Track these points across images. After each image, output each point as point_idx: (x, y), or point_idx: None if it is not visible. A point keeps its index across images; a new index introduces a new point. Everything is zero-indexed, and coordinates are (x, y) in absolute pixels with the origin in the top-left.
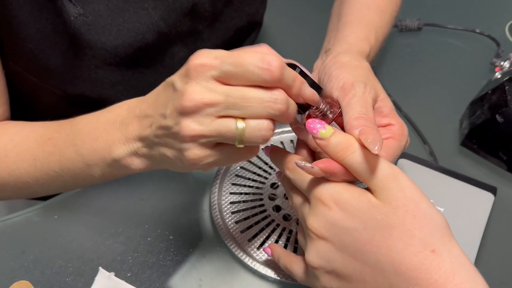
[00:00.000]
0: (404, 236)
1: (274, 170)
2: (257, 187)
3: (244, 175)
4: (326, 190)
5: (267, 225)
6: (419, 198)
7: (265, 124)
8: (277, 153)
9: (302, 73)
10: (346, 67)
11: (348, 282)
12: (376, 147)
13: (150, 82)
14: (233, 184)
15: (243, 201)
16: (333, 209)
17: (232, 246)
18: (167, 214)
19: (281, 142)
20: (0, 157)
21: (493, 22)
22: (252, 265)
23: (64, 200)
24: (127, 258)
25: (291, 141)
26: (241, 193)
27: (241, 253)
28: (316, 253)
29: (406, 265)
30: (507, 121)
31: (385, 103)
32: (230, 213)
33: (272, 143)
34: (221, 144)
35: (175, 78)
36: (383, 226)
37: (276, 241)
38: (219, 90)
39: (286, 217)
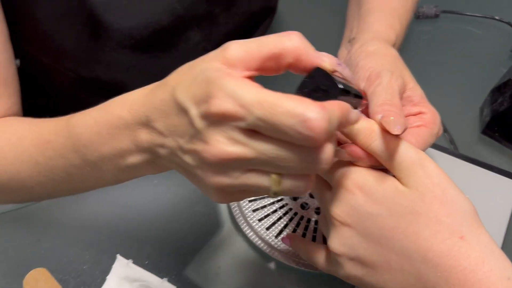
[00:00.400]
0: (431, 222)
1: None
2: None
3: None
4: (349, 175)
5: (285, 214)
6: (447, 184)
7: (303, 182)
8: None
9: (341, 84)
10: (373, 56)
11: (372, 269)
12: (398, 127)
13: (164, 67)
14: None
15: None
16: (356, 194)
17: (250, 234)
18: (184, 202)
19: None
20: None
21: None
22: (270, 254)
23: None
24: (145, 246)
25: None
26: None
27: (259, 241)
28: (339, 240)
29: (434, 252)
30: None
31: (415, 92)
32: (247, 202)
33: None
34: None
35: (190, 105)
36: (409, 213)
37: (294, 230)
38: (249, 144)
39: (303, 206)
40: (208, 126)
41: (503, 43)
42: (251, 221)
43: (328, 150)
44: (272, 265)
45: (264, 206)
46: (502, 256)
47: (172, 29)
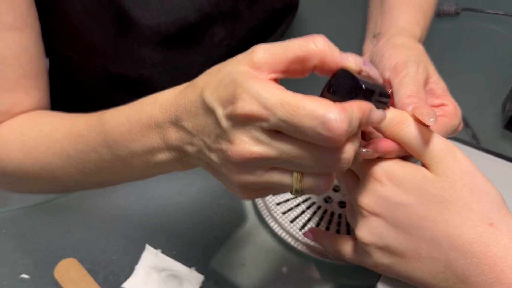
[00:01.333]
0: (461, 210)
1: None
2: None
3: None
4: (378, 166)
5: (308, 207)
6: (475, 172)
7: (325, 181)
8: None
9: (366, 84)
10: (399, 47)
11: (401, 258)
12: (432, 119)
13: (189, 62)
14: None
15: None
16: (386, 184)
17: (274, 227)
18: (209, 194)
19: None
20: (29, 149)
21: None
22: (295, 245)
23: None
24: (172, 236)
25: None
26: None
27: (284, 233)
28: (368, 229)
29: (464, 239)
30: None
31: (438, 85)
32: (271, 196)
33: None
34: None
35: (217, 106)
36: (439, 201)
37: (318, 223)
38: (272, 144)
39: (327, 200)
40: (233, 126)
41: None
42: (275, 214)
43: (349, 150)
44: (296, 257)
45: (288, 200)
46: None
47: (199, 25)
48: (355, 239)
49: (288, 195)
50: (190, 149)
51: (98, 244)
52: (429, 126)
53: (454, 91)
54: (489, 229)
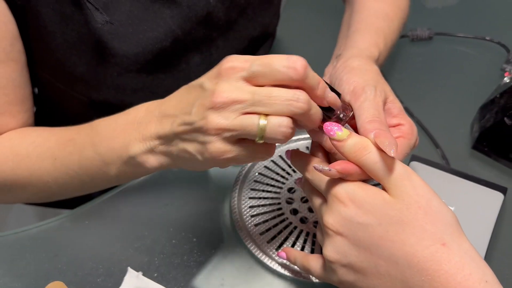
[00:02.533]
0: (416, 231)
1: (291, 176)
2: (275, 192)
3: (262, 180)
4: (342, 189)
5: (285, 228)
6: (431, 196)
7: (285, 121)
8: (298, 156)
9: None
10: (356, 71)
11: (363, 275)
12: (392, 150)
13: (167, 87)
14: (252, 189)
15: (262, 205)
16: (348, 206)
17: (252, 248)
18: (190, 218)
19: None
20: (22, 158)
21: (503, 29)
22: (271, 265)
23: (94, 207)
24: (154, 259)
25: (307, 147)
26: (259, 198)
27: (261, 254)
28: (332, 247)
29: (419, 258)
30: None
31: (395, 105)
32: (250, 217)
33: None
34: (242, 141)
35: (204, 80)
36: (396, 222)
37: (294, 243)
38: (246, 89)
39: (303, 220)
40: (216, 83)
41: (494, 62)
42: (253, 235)
43: (306, 94)
44: (273, 277)
45: (266, 221)
46: (481, 262)
47: (174, 52)
48: (323, 257)
49: (267, 216)
50: (167, 129)
51: (84, 267)
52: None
53: (427, 112)
54: (442, 249)
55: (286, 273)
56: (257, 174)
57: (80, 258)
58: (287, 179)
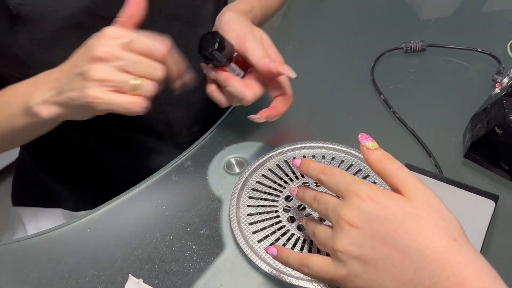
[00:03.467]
0: (430, 225)
1: (288, 184)
2: (272, 200)
3: (260, 189)
4: (362, 186)
5: (283, 235)
6: (440, 201)
7: (150, 83)
8: (307, 163)
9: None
10: (231, 21)
11: (373, 266)
12: (293, 72)
13: None
14: (250, 197)
15: (260, 213)
16: (367, 201)
17: (250, 254)
18: (189, 226)
19: (313, 156)
20: None
21: (495, 41)
22: (269, 272)
23: (95, 215)
24: (154, 266)
25: (313, 156)
26: (257, 206)
27: (259, 261)
28: (348, 239)
29: (432, 249)
30: (506, 133)
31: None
32: (248, 224)
33: (304, 156)
34: (116, 91)
35: (92, 40)
36: (412, 217)
37: (291, 249)
38: (124, 52)
39: (300, 227)
40: (99, 41)
41: (485, 73)
42: (251, 242)
43: (163, 68)
44: (270, 283)
45: (264, 228)
46: (486, 260)
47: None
48: (323, 256)
49: (264, 223)
50: (60, 82)
51: (86, 275)
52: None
53: (420, 122)
54: (453, 242)
55: (284, 279)
56: (255, 182)
57: (82, 265)
58: (284, 187)
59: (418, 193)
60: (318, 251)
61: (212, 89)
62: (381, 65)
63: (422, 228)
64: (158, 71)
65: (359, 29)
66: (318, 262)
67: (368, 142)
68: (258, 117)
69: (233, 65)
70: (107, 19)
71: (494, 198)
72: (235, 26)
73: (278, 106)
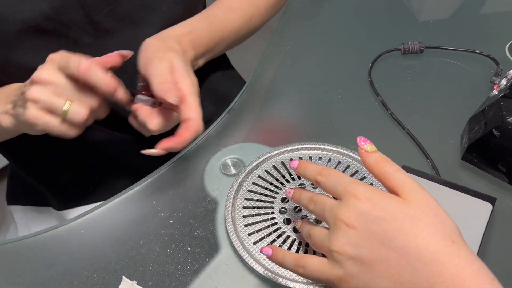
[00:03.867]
0: (429, 226)
1: (285, 186)
2: (268, 202)
3: (256, 190)
4: (360, 188)
5: (278, 237)
6: (438, 204)
7: (82, 110)
8: (304, 164)
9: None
10: (145, 48)
11: (369, 267)
12: (176, 100)
13: None
14: (246, 199)
15: (255, 215)
16: (365, 202)
17: (245, 256)
18: (185, 227)
19: (310, 157)
20: None
21: (493, 42)
22: (264, 274)
23: (89, 217)
24: (148, 268)
25: (310, 157)
26: (253, 207)
27: (254, 263)
28: (345, 239)
29: (430, 250)
30: (503, 135)
31: (181, 76)
32: (243, 226)
33: (301, 157)
34: (52, 114)
35: (41, 65)
36: (410, 218)
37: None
38: (58, 76)
39: (295, 229)
40: (42, 67)
41: (484, 75)
42: (247, 244)
43: (93, 93)
44: (265, 285)
45: (260, 230)
46: (483, 263)
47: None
48: (319, 257)
49: (260, 225)
50: (16, 97)
51: (80, 276)
52: (175, 104)
53: (418, 124)
54: (451, 244)
55: (279, 281)
56: (251, 183)
57: (75, 267)
58: (280, 189)
59: (416, 195)
60: (314, 253)
61: (131, 119)
62: (378, 66)
63: (420, 230)
64: (88, 97)
65: (357, 30)
66: (314, 262)
67: (366, 145)
68: (156, 151)
69: (139, 96)
70: (67, 24)
71: (492, 200)
72: (145, 54)
73: (182, 133)
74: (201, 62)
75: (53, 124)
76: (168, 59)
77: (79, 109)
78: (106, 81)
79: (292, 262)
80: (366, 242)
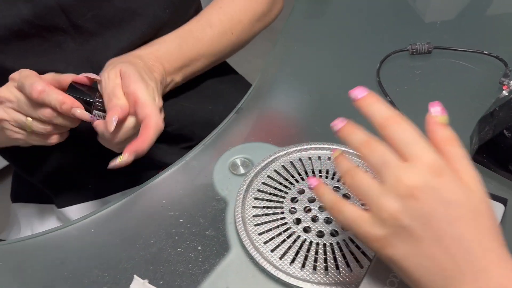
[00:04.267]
0: (487, 223)
1: (294, 186)
2: (278, 201)
3: (265, 190)
4: (432, 156)
5: (288, 237)
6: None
7: (37, 123)
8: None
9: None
10: (106, 66)
11: (417, 242)
12: (114, 118)
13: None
14: (255, 198)
15: (265, 214)
16: (436, 177)
17: (256, 256)
18: (195, 226)
19: (319, 157)
20: None
21: (501, 43)
22: (275, 274)
23: (100, 216)
24: (159, 267)
25: (329, 158)
26: (263, 207)
27: (265, 263)
28: (401, 206)
29: (483, 246)
30: None
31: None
32: (253, 225)
33: (309, 157)
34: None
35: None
36: (474, 209)
37: (297, 252)
38: (16, 94)
39: (306, 229)
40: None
41: (492, 76)
42: (257, 244)
43: (48, 111)
44: (276, 285)
45: (270, 230)
46: None
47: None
48: (360, 209)
49: (270, 225)
50: None
51: (90, 275)
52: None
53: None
54: (502, 246)
55: (290, 281)
56: (260, 183)
57: (86, 266)
58: (290, 188)
59: (478, 186)
60: (333, 252)
61: (98, 138)
62: (387, 67)
63: (479, 223)
64: (42, 111)
65: (365, 30)
66: (354, 212)
67: (439, 115)
68: (120, 160)
69: (95, 111)
70: (50, 29)
71: (503, 201)
72: (106, 68)
73: (142, 133)
74: (177, 78)
75: (25, 137)
76: (118, 67)
77: (36, 123)
78: (60, 101)
79: (330, 202)
80: (424, 218)
